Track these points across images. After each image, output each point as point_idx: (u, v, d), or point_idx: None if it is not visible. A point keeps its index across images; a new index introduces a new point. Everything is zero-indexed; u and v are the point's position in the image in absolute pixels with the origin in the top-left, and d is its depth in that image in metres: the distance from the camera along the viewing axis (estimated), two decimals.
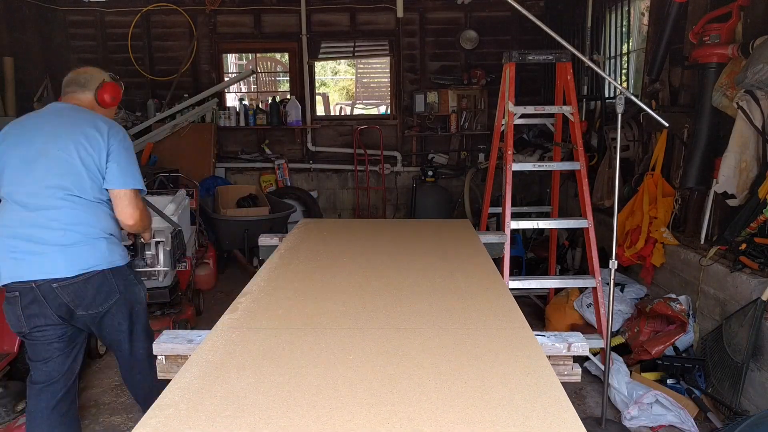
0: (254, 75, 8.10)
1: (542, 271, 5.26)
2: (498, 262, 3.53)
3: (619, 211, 3.21)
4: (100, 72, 2.53)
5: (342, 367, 1.49)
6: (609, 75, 5.20)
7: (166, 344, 1.82)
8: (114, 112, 2.62)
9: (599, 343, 3.45)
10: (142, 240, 2.76)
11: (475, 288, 2.12)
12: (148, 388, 2.55)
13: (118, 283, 2.38)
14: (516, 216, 3.98)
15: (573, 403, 3.63)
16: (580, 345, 1.80)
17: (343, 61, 13.06)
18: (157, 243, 3.56)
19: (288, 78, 7.71)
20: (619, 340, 3.67)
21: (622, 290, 3.99)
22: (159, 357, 1.85)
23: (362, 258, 2.57)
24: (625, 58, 5.43)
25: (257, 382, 1.40)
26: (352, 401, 1.32)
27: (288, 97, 7.33)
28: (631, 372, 3.37)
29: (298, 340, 1.66)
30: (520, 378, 1.42)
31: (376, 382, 1.40)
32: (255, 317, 1.83)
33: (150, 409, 1.28)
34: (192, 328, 4.09)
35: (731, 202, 3.35)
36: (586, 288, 4.01)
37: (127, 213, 2.34)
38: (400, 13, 6.74)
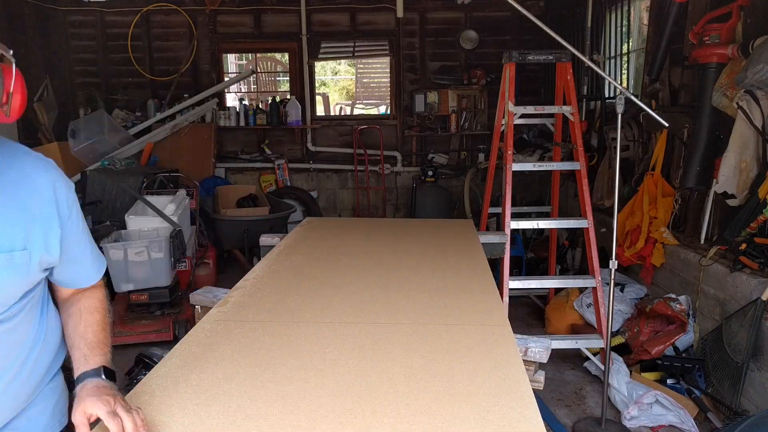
0: (254, 75, 8.10)
1: (542, 271, 5.26)
2: (498, 262, 3.53)
3: (619, 211, 3.21)
4: None
5: (317, 360, 1.52)
6: (609, 75, 5.20)
7: (198, 296, 2.19)
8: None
9: (599, 343, 3.45)
10: None
11: (463, 286, 2.14)
12: None
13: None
14: (516, 216, 3.98)
15: (573, 403, 3.63)
16: (538, 351, 1.81)
17: (343, 61, 13.06)
18: None
19: (288, 78, 7.71)
20: (619, 340, 3.67)
21: (622, 290, 3.99)
22: (196, 306, 2.19)
23: (359, 256, 2.59)
24: (625, 58, 5.43)
25: (233, 373, 1.44)
26: (320, 392, 1.35)
27: (288, 97, 7.33)
28: (631, 372, 3.37)
29: (279, 333, 1.69)
30: (489, 374, 1.44)
31: (347, 375, 1.44)
32: (242, 311, 1.87)
33: (126, 396, 1.31)
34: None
35: (731, 202, 3.35)
36: (586, 288, 4.01)
37: None
38: (400, 13, 6.75)
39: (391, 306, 1.93)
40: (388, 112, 7.98)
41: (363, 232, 3.10)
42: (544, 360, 1.82)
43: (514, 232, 4.11)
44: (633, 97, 2.97)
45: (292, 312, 1.87)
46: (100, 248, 3.99)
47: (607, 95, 5.50)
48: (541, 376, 1.83)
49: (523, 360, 1.73)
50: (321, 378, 1.42)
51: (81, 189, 5.41)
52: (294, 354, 1.56)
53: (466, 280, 2.21)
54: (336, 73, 14.43)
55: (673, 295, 3.56)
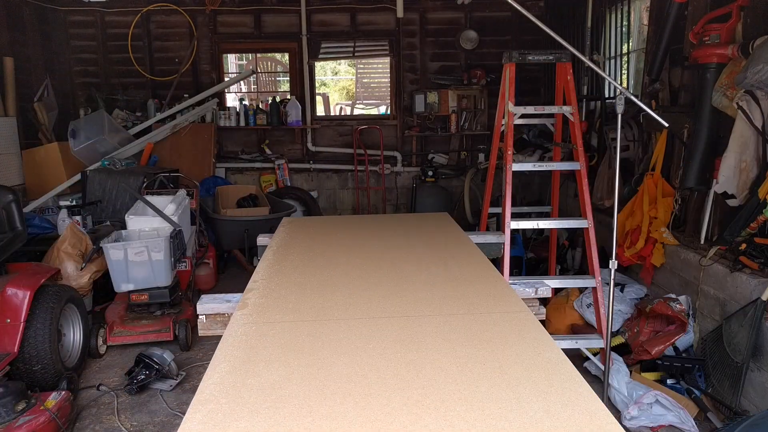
0: (254, 75, 8.10)
1: (542, 271, 5.26)
2: (498, 262, 3.53)
3: (619, 211, 3.21)
4: None
5: (365, 355, 1.55)
6: (609, 75, 5.20)
7: (207, 304, 2.09)
8: None
9: (599, 343, 3.44)
10: None
11: (469, 275, 2.21)
12: None
13: None
14: (516, 216, 3.97)
15: None
16: (544, 289, 2.23)
17: (343, 61, 13.06)
18: None
19: (288, 78, 7.71)
20: (619, 340, 3.66)
21: (622, 290, 3.99)
22: (200, 316, 2.11)
23: (353, 251, 2.63)
24: (625, 58, 5.43)
25: (288, 374, 1.46)
26: (384, 387, 1.38)
27: (288, 97, 7.33)
28: (631, 372, 3.37)
29: (315, 331, 1.72)
30: (532, 358, 1.51)
31: (401, 368, 1.47)
32: (266, 312, 1.89)
33: (191, 405, 1.32)
34: (192, 328, 4.10)
35: (731, 202, 3.35)
36: (586, 288, 4.01)
37: None
38: (400, 14, 6.73)
39: (411, 299, 1.98)
40: (388, 112, 7.98)
41: (345, 230, 3.15)
42: (549, 295, 2.28)
43: (514, 232, 4.11)
44: (633, 97, 2.97)
45: (317, 310, 1.90)
46: (100, 248, 3.99)
47: (607, 95, 5.50)
48: (543, 309, 2.21)
49: (532, 298, 2.21)
50: (378, 374, 1.45)
51: (81, 189, 5.42)
52: (339, 352, 1.58)
53: (470, 269, 2.28)
54: (336, 73, 14.43)
55: (673, 295, 3.55)
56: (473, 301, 1.93)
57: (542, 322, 1.88)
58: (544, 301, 2.32)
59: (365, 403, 1.31)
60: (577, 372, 1.42)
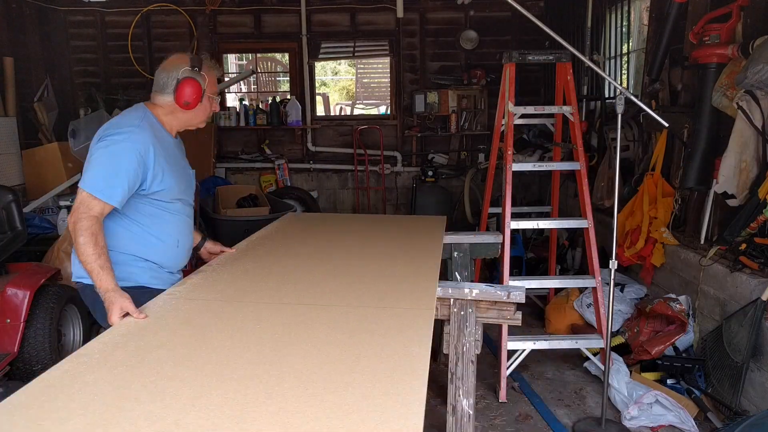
0: (254, 75, 8.10)
1: (542, 271, 5.26)
2: (498, 261, 3.53)
3: (619, 211, 3.21)
4: (178, 66, 2.19)
5: (246, 333, 1.64)
6: (609, 75, 5.20)
7: None
8: (203, 112, 2.27)
9: (599, 343, 3.44)
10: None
11: (409, 273, 2.25)
12: None
13: (87, 302, 2.09)
14: (516, 216, 3.97)
15: (573, 403, 3.63)
16: (518, 294, 2.24)
17: (343, 61, 13.06)
18: None
19: (288, 78, 7.72)
20: (619, 340, 3.67)
21: (622, 290, 3.99)
22: None
23: (324, 247, 2.72)
24: (625, 58, 5.43)
25: (166, 341, 1.57)
26: (239, 360, 1.46)
27: (288, 97, 7.33)
28: (631, 372, 3.37)
29: (220, 310, 1.81)
30: (395, 350, 1.54)
31: (267, 347, 1.54)
32: (195, 290, 1.99)
33: (69, 356, 1.44)
34: None
35: (731, 202, 3.35)
36: (586, 288, 4.01)
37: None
38: (400, 13, 6.74)
39: (331, 289, 2.04)
40: (388, 112, 7.98)
41: (338, 227, 3.20)
42: (522, 301, 2.25)
43: (514, 232, 4.11)
44: (633, 97, 2.97)
45: (238, 293, 1.98)
46: None
47: (607, 95, 5.50)
48: (518, 315, 2.22)
49: (505, 302, 2.23)
50: (242, 349, 1.53)
51: None
52: (225, 328, 1.66)
53: (413, 268, 2.32)
54: (336, 73, 14.43)
55: (673, 295, 3.56)
56: (389, 297, 1.96)
57: (517, 327, 1.89)
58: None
59: (210, 371, 1.39)
60: (426, 368, 1.42)
